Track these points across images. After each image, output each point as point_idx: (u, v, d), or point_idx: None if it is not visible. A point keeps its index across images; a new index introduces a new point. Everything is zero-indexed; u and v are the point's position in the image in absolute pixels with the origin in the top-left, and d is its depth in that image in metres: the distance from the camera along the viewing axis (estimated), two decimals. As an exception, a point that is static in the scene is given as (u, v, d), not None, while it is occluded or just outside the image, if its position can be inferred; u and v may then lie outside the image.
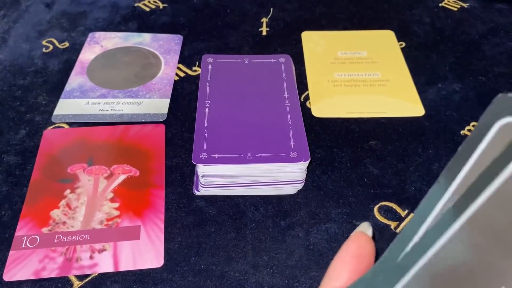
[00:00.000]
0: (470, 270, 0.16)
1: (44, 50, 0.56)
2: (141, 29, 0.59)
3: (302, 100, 0.49)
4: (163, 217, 0.39)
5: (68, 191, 0.40)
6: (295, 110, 0.42)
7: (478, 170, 0.17)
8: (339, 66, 0.53)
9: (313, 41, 0.57)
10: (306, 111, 0.47)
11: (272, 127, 0.41)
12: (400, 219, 0.38)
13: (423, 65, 0.53)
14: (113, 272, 0.35)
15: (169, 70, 0.53)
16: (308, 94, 0.50)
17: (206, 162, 0.38)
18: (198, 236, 0.37)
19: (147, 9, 0.62)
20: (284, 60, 0.49)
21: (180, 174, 0.42)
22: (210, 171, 0.38)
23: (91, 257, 0.36)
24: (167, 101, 0.49)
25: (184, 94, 0.50)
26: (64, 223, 0.38)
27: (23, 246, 0.36)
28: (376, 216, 0.39)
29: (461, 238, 0.16)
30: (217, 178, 0.39)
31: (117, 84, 0.51)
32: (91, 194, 0.40)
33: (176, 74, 0.52)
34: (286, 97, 0.44)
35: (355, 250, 0.19)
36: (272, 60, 0.48)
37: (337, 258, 0.19)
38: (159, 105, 0.48)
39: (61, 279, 0.35)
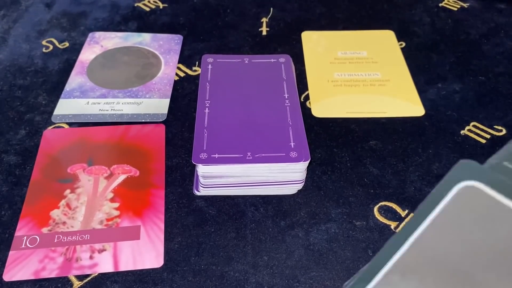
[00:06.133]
0: None
1: (44, 50, 0.56)
2: (141, 29, 0.59)
3: (302, 100, 0.49)
4: (163, 217, 0.39)
5: (68, 191, 0.40)
6: (295, 110, 0.42)
7: (437, 227, 0.20)
8: (339, 66, 0.53)
9: (313, 41, 0.57)
10: (306, 111, 0.47)
11: (272, 127, 0.41)
12: (400, 219, 0.38)
13: (423, 65, 0.53)
14: (113, 272, 0.35)
15: (169, 70, 0.53)
16: (308, 94, 0.50)
17: (206, 162, 0.38)
18: (198, 236, 0.37)
19: (147, 9, 0.62)
20: (284, 60, 0.48)
21: (180, 174, 0.42)
22: (210, 171, 0.38)
23: (91, 257, 0.36)
24: (167, 101, 0.49)
25: (184, 94, 0.50)
26: (64, 223, 0.38)
27: (23, 246, 0.36)
28: (376, 216, 0.39)
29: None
30: (217, 178, 0.39)
31: (117, 84, 0.51)
32: (91, 194, 0.40)
33: (176, 74, 0.52)
34: (286, 97, 0.44)
35: None
36: (272, 60, 0.48)
37: None
38: (159, 105, 0.48)
39: (61, 279, 0.35)
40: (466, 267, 0.19)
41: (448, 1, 0.63)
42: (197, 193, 0.40)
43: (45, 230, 0.37)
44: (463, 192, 0.21)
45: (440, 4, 0.62)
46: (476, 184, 0.21)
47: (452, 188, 0.21)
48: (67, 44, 0.57)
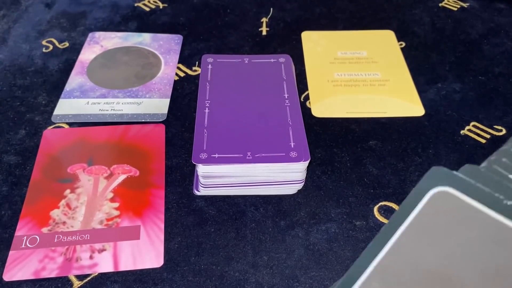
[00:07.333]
0: None
1: (44, 50, 0.56)
2: (141, 29, 0.59)
3: (302, 100, 0.49)
4: (163, 217, 0.39)
5: (68, 191, 0.40)
6: (295, 110, 0.42)
7: (412, 232, 0.21)
8: (339, 66, 0.53)
9: (313, 41, 0.57)
10: (306, 111, 0.47)
11: (272, 127, 0.41)
12: (400, 219, 0.38)
13: (423, 65, 0.53)
14: (113, 272, 0.35)
15: (169, 70, 0.53)
16: (308, 94, 0.50)
17: (206, 162, 0.38)
18: (198, 236, 0.37)
19: (147, 9, 0.62)
20: (284, 60, 0.48)
21: (180, 174, 0.42)
22: (210, 171, 0.38)
23: (91, 257, 0.36)
24: (167, 101, 0.49)
25: (184, 94, 0.50)
26: (64, 223, 0.38)
27: (23, 246, 0.36)
28: (376, 216, 0.39)
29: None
30: (217, 178, 0.39)
31: (117, 84, 0.51)
32: (91, 194, 0.40)
33: (176, 74, 0.52)
34: (286, 97, 0.44)
35: None
36: (272, 60, 0.48)
37: None
38: (159, 105, 0.48)
39: (61, 279, 0.35)
40: (443, 270, 0.19)
41: (448, 1, 0.63)
42: (197, 193, 0.40)
43: (45, 230, 0.37)
44: (436, 197, 0.22)
45: (440, 4, 0.62)
46: (448, 190, 0.22)
47: (426, 194, 0.22)
48: (67, 44, 0.57)
